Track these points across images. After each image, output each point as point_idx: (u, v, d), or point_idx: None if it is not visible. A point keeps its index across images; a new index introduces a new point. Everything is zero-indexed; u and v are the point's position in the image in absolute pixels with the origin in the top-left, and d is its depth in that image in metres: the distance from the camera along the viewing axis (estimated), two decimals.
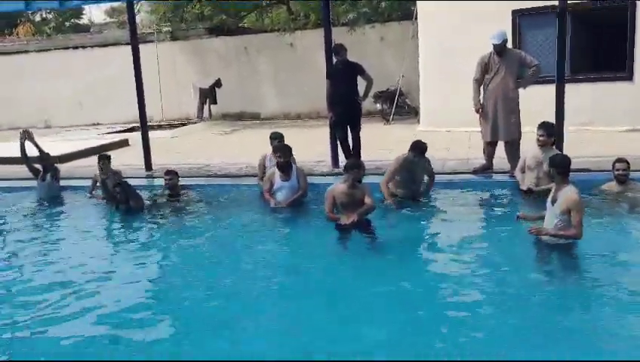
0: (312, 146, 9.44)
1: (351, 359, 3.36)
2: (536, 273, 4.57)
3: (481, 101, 7.45)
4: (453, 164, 8.00)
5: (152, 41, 17.19)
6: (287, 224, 6.21)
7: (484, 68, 7.48)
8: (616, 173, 6.04)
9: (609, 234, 5.25)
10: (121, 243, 6.03)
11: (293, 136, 9.52)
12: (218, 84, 15.83)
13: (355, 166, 5.66)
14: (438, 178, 6.86)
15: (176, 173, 7.16)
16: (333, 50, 7.88)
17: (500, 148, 7.52)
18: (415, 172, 6.53)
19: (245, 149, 11.22)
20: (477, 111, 7.49)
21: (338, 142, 8.11)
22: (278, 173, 6.50)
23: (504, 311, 3.89)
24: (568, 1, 9.88)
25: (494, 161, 7.59)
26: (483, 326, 3.69)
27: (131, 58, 8.94)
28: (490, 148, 7.56)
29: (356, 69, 7.84)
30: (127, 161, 9.43)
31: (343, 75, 7.77)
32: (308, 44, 16.32)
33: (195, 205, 7.04)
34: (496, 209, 6.49)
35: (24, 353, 3.65)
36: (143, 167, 9.05)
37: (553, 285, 4.31)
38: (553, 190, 4.82)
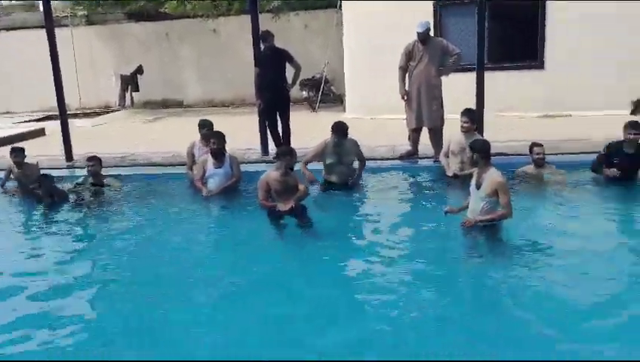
0: (238, 134, 9.27)
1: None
2: (462, 254, 4.78)
3: (406, 88, 7.66)
4: (381, 151, 8.18)
5: (66, 25, 16.40)
6: (219, 212, 6.18)
7: (409, 56, 7.68)
8: (535, 156, 6.39)
9: (532, 215, 5.54)
10: (44, 237, 5.76)
11: (219, 124, 9.36)
12: (140, 70, 15.36)
13: (287, 153, 5.69)
14: (367, 164, 7.03)
15: (99, 160, 6.88)
16: (260, 36, 7.83)
17: (425, 135, 7.77)
18: (341, 155, 6.61)
19: (170, 137, 11.00)
20: (402, 98, 7.69)
21: (267, 130, 8.10)
22: (210, 160, 6.43)
23: (433, 292, 4.07)
24: None
25: (419, 147, 7.85)
26: (413, 306, 3.84)
27: (44, 43, 8.49)
28: (414, 134, 7.80)
29: (284, 56, 7.84)
30: (44, 152, 9.00)
31: (271, 62, 7.75)
32: (231, 31, 16.12)
33: (122, 195, 6.82)
34: (424, 193, 6.70)
35: None
36: (63, 157, 8.66)
37: (479, 265, 4.51)
38: (476, 174, 5.00)
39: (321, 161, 6.69)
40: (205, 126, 7.02)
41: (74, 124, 12.75)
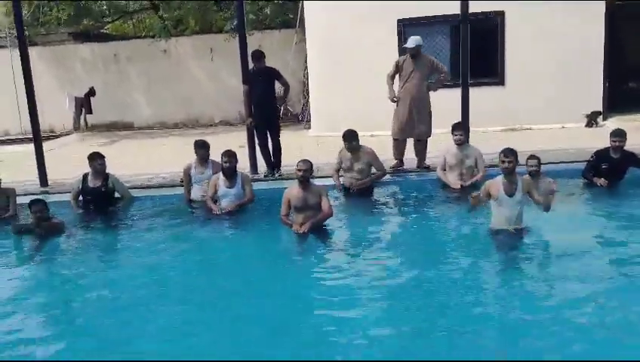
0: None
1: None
2: (482, 261, 4.88)
3: (396, 94, 7.82)
4: None
5: (4, 47, 15.60)
6: (230, 231, 6.03)
7: (398, 68, 7.88)
8: (530, 169, 6.66)
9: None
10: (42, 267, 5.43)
11: (181, 146, 9.26)
12: (92, 92, 14.82)
13: (298, 164, 5.59)
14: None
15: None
16: (252, 55, 7.78)
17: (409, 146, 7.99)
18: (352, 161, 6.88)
19: (136, 160, 10.66)
20: (392, 101, 7.86)
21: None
22: (222, 179, 6.29)
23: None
24: (445, 13, 10.93)
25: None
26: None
27: None
28: (400, 145, 7.97)
29: (273, 74, 7.83)
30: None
31: (261, 80, 7.71)
32: (183, 51, 15.91)
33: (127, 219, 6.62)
34: (434, 205, 6.79)
35: None
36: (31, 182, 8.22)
37: (493, 272, 4.65)
38: (504, 184, 5.08)
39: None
40: (202, 146, 6.87)
41: (17, 149, 12.13)
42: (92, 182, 6.81)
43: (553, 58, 10.93)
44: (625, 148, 6.60)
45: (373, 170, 7.01)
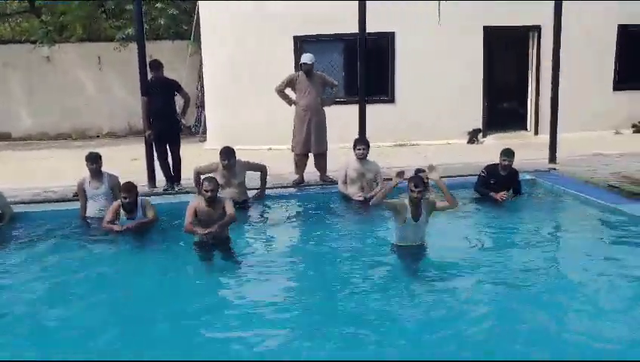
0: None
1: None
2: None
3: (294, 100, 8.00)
4: (270, 179, 8.30)
5: None
6: (130, 247, 5.83)
7: (290, 84, 8.02)
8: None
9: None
10: None
11: (68, 158, 8.74)
12: None
13: (204, 184, 5.56)
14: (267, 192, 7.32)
15: None
16: (149, 66, 7.59)
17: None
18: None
19: (18, 173, 9.97)
20: (293, 104, 8.00)
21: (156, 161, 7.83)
22: (122, 212, 6.00)
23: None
24: (339, 32, 11.33)
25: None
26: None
27: None
28: (301, 160, 8.13)
29: (173, 86, 7.70)
30: None
31: (161, 92, 7.55)
32: (68, 59, 15.15)
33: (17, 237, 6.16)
34: (339, 217, 6.99)
35: None
36: None
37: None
38: (410, 209, 5.20)
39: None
40: (96, 160, 6.54)
41: None
42: None
43: (438, 78, 11.66)
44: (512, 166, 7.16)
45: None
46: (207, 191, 5.49)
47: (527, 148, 10.64)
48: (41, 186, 8.08)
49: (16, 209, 6.89)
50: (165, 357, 3.56)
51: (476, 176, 7.33)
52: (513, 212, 6.84)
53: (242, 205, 6.91)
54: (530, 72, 12.34)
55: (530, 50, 12.26)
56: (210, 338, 3.89)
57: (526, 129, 12.62)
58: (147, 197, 6.56)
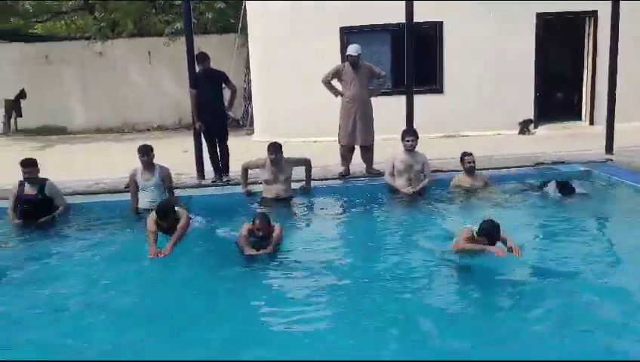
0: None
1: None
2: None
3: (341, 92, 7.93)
4: (316, 171, 8.30)
5: None
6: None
7: (337, 75, 7.96)
8: (467, 165, 6.95)
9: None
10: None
11: (120, 151, 8.82)
12: (23, 95, 14.18)
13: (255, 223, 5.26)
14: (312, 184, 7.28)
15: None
16: (196, 58, 7.67)
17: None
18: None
19: (73, 165, 10.28)
20: (339, 95, 7.94)
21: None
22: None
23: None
24: (386, 22, 11.20)
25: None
26: None
27: None
28: (347, 153, 8.07)
29: (221, 78, 7.75)
30: None
31: (209, 84, 7.62)
32: (120, 54, 15.51)
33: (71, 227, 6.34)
34: (385, 210, 6.90)
35: None
36: None
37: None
38: None
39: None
40: (147, 151, 6.66)
41: None
42: (27, 190, 6.43)
43: (488, 68, 11.39)
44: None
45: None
46: (258, 229, 5.20)
47: (582, 139, 10.32)
48: (94, 178, 8.30)
49: (71, 200, 7.11)
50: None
51: (526, 168, 7.10)
52: (568, 205, 6.58)
53: (288, 200, 6.91)
54: (585, 60, 11.89)
55: (585, 37, 11.82)
56: (270, 332, 3.86)
57: (580, 119, 12.19)
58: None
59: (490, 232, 4.57)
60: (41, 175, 6.54)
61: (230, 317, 4.08)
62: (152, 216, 5.34)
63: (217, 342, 3.72)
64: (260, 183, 7.07)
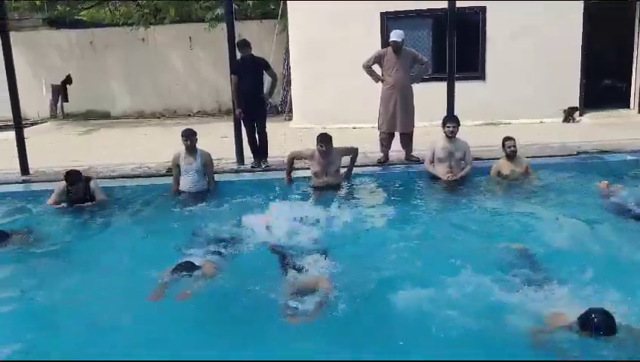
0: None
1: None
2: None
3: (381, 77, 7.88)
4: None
5: None
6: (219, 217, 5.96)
7: (378, 60, 7.90)
8: (508, 150, 6.84)
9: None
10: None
11: (162, 136, 8.85)
12: (69, 80, 14.57)
13: None
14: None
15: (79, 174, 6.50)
16: (237, 45, 7.74)
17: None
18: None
19: (116, 149, 10.50)
20: (380, 81, 7.91)
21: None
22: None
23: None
24: (428, 7, 11.04)
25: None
26: None
27: None
28: (388, 139, 8.04)
29: (262, 65, 7.79)
30: None
31: (249, 71, 7.67)
32: (162, 40, 15.71)
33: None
34: (428, 196, 6.90)
35: None
36: (18, 171, 8.05)
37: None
38: None
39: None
40: (191, 135, 6.79)
41: None
42: (75, 194, 6.45)
43: (532, 54, 11.12)
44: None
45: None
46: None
47: (629, 128, 10.01)
48: (138, 162, 8.50)
49: (114, 183, 7.33)
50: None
51: (570, 157, 6.93)
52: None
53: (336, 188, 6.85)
54: (635, 47, 11.49)
55: (636, 24, 11.41)
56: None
57: (628, 107, 11.81)
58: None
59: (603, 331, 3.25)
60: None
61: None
62: None
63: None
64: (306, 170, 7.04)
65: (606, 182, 6.04)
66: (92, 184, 6.56)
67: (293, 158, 6.98)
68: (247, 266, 4.76)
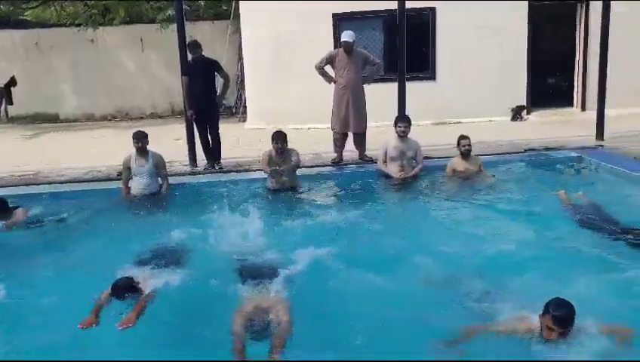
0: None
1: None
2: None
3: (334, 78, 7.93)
4: (306, 159, 8.31)
5: None
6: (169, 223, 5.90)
7: (330, 61, 7.95)
8: (462, 149, 6.98)
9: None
10: None
11: (115, 138, 8.61)
12: (13, 82, 14.08)
13: None
14: (302, 171, 7.24)
15: None
16: (188, 46, 7.66)
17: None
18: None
19: (65, 153, 10.22)
20: (332, 82, 7.95)
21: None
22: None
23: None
24: (379, 8, 11.17)
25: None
26: None
27: None
28: (342, 139, 8.09)
29: (213, 66, 7.74)
30: None
31: (201, 72, 7.60)
32: (111, 41, 15.38)
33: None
34: (379, 195, 6.98)
35: None
36: None
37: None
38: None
39: None
40: (142, 137, 6.69)
41: None
42: None
43: (481, 54, 11.39)
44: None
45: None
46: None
47: (574, 125, 10.36)
48: (89, 165, 8.30)
49: (63, 188, 7.14)
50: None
51: (518, 154, 7.15)
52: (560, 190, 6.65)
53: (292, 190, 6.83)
54: (577, 47, 11.91)
55: (577, 25, 11.83)
56: None
57: (572, 105, 12.24)
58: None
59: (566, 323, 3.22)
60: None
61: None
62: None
63: None
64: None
65: (563, 191, 6.19)
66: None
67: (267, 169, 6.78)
68: (195, 282, 4.40)
